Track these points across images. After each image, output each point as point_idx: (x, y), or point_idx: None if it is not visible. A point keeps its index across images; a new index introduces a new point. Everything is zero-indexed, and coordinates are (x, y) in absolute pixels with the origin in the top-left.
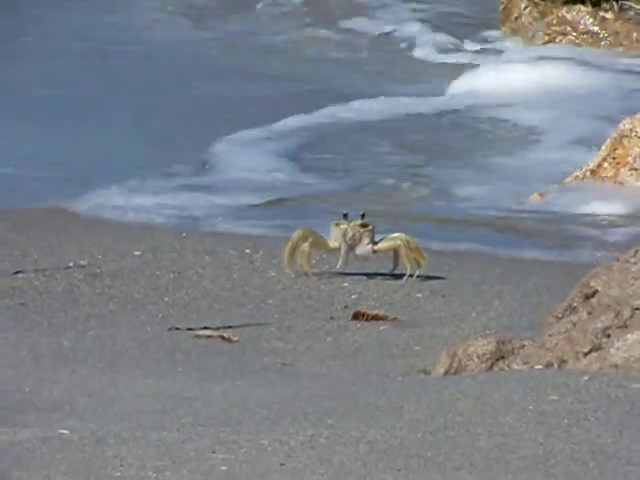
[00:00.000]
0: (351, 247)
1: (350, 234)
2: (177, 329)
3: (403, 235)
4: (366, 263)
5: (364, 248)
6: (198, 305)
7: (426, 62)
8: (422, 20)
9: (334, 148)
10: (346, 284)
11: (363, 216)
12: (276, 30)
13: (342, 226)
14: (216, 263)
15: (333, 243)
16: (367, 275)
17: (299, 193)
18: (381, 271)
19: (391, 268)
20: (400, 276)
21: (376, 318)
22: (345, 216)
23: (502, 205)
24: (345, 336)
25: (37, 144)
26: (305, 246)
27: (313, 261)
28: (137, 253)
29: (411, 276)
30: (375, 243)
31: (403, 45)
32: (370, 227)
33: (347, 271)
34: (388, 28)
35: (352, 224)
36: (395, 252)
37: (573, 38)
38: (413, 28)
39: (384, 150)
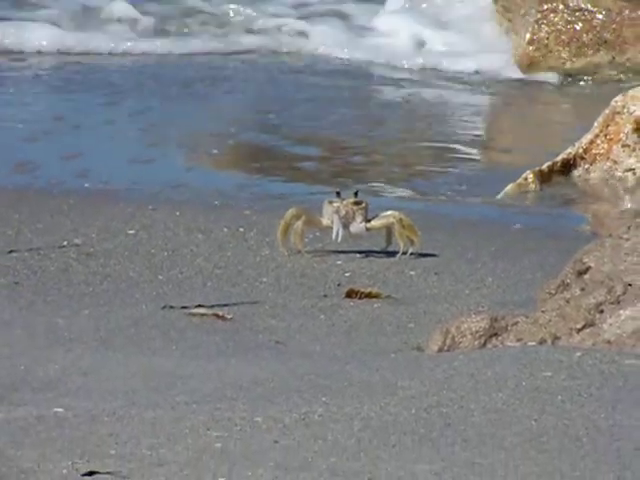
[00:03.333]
0: (344, 225)
1: (343, 212)
2: (171, 307)
3: (396, 213)
4: (359, 241)
5: (357, 226)
6: (192, 283)
7: None
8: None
9: None
10: (339, 262)
11: (356, 194)
12: None
13: (335, 204)
14: (210, 241)
15: (326, 221)
16: (360, 253)
17: None
18: (374, 249)
19: (384, 246)
20: (393, 254)
21: (369, 296)
22: (338, 194)
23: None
24: (338, 314)
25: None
26: (298, 224)
27: (306, 239)
28: (131, 232)
29: (404, 254)
30: (368, 221)
31: None
32: (363, 205)
33: (340, 249)
34: None
35: (345, 202)
36: (388, 230)
37: (565, 15)
38: None
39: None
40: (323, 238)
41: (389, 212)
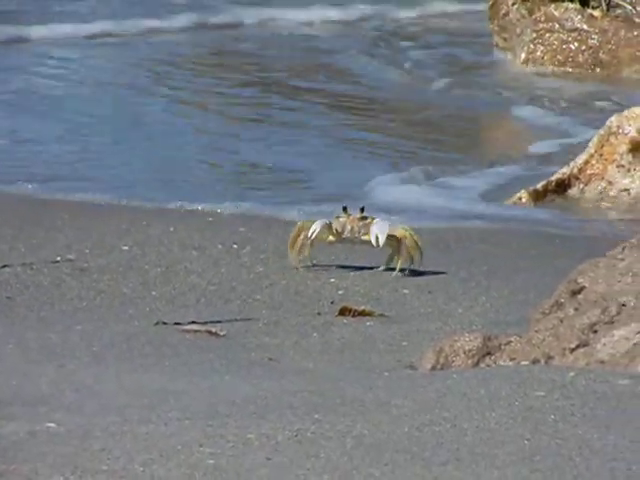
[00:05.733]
0: (351, 240)
1: (349, 227)
2: (164, 323)
3: (407, 227)
4: (353, 255)
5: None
6: (185, 300)
7: None
8: None
9: None
10: (333, 279)
11: (362, 209)
12: None
13: (341, 219)
14: (204, 258)
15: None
16: (354, 270)
17: None
18: (368, 266)
19: (386, 261)
20: (387, 271)
21: (363, 314)
22: (345, 209)
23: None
24: (332, 331)
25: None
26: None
27: (300, 257)
28: (125, 248)
29: (402, 271)
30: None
31: None
32: (369, 220)
33: (333, 264)
34: None
35: (351, 217)
36: (398, 242)
37: (561, 35)
38: None
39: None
40: (317, 255)
41: (399, 226)
